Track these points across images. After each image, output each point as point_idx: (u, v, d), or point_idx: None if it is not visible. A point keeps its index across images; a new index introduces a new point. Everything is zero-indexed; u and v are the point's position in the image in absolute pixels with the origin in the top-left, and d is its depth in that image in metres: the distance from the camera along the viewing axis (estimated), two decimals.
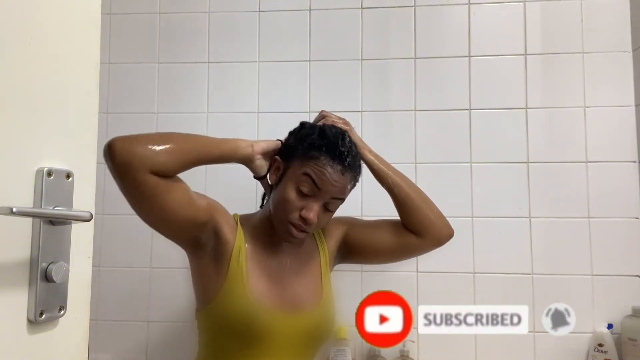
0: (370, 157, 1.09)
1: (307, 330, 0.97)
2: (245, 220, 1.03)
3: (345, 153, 0.95)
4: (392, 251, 1.12)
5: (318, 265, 1.06)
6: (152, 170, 0.83)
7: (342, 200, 0.99)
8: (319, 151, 0.94)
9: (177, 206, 0.89)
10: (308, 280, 1.03)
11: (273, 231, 1.00)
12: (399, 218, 1.12)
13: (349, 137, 1.01)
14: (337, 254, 1.12)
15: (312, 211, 0.93)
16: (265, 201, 1.10)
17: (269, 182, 1.02)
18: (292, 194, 0.94)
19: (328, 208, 0.97)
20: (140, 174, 0.82)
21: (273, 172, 1.01)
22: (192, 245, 0.97)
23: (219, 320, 0.94)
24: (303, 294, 1.00)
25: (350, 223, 1.14)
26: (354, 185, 1.01)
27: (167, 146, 0.86)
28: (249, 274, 0.95)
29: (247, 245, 0.98)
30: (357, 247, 1.12)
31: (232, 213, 1.05)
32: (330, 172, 0.93)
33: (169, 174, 0.86)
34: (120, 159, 0.82)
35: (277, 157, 1.01)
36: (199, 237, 0.95)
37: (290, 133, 1.05)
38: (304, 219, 0.93)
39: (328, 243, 1.10)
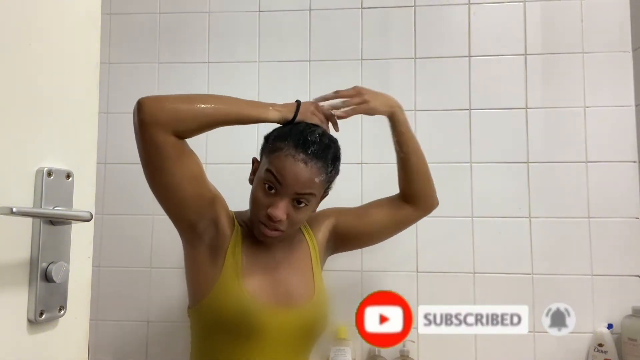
0: (402, 115, 1.06)
1: (301, 325, 0.97)
2: (239, 216, 1.03)
3: (311, 142, 0.91)
4: (386, 228, 1.13)
5: (309, 260, 1.05)
6: (175, 131, 0.86)
7: (312, 195, 0.93)
8: (282, 141, 0.92)
9: (188, 177, 0.91)
10: (300, 275, 1.02)
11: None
12: (384, 197, 1.13)
13: (324, 131, 0.98)
14: (328, 246, 1.11)
15: (278, 209, 0.89)
16: None
17: (250, 180, 1.01)
18: (259, 192, 0.93)
19: (300, 204, 0.92)
20: (162, 131, 0.85)
21: (252, 171, 1.01)
22: (190, 232, 0.96)
23: (213, 315, 0.93)
24: (296, 289, 1.00)
25: (338, 212, 1.12)
26: (327, 178, 0.95)
27: (196, 107, 0.89)
28: (244, 269, 0.95)
29: (242, 240, 0.98)
30: (349, 233, 1.11)
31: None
32: (292, 162, 0.89)
33: (190, 135, 0.90)
34: (147, 115, 0.84)
35: (254, 158, 1.01)
36: (197, 223, 0.94)
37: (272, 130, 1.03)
38: (270, 217, 0.90)
39: (317, 236, 1.08)
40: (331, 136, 0.99)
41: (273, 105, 0.96)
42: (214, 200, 0.96)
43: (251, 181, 1.00)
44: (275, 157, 0.91)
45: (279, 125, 0.97)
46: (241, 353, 0.93)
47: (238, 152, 1.49)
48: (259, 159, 1.00)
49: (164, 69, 1.54)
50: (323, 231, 1.10)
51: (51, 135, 0.53)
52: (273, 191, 0.91)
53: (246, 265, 0.95)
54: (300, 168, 0.90)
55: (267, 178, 0.91)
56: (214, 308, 0.93)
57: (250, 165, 1.02)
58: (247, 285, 0.93)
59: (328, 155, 0.94)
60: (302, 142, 0.91)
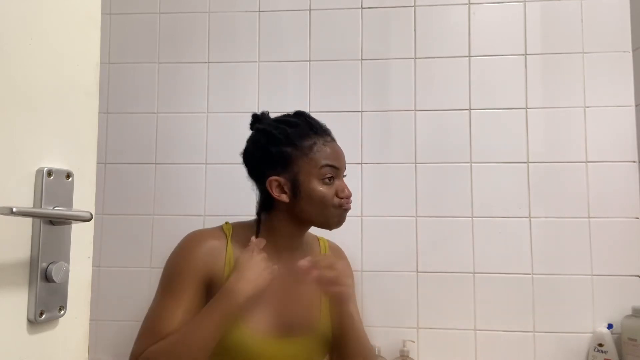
0: (352, 309, 0.99)
1: (301, 355, 0.96)
2: (238, 232, 1.00)
3: (322, 124, 1.02)
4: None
5: None
6: None
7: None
8: (309, 138, 0.98)
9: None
10: (306, 301, 1.00)
11: (272, 247, 0.98)
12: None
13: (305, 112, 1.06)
14: None
15: (346, 187, 1.00)
16: (260, 215, 1.04)
17: (285, 200, 0.97)
18: (322, 190, 0.97)
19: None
20: None
21: (278, 192, 0.97)
22: None
23: None
24: (299, 317, 0.98)
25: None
26: None
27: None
28: None
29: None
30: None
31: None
32: (333, 145, 1.00)
33: None
34: None
35: (272, 178, 0.97)
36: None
37: (256, 146, 1.02)
38: (344, 199, 0.98)
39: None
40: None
41: (231, 293, 0.89)
42: (203, 297, 0.93)
43: (281, 199, 0.97)
44: (320, 150, 0.97)
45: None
46: None
47: (238, 152, 1.49)
48: (277, 176, 0.97)
49: (164, 69, 1.54)
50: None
51: (51, 135, 0.53)
52: (331, 180, 0.97)
53: None
54: (338, 147, 1.02)
55: (326, 172, 0.97)
56: None
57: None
58: (246, 319, 0.92)
59: None
60: (321, 128, 1.01)
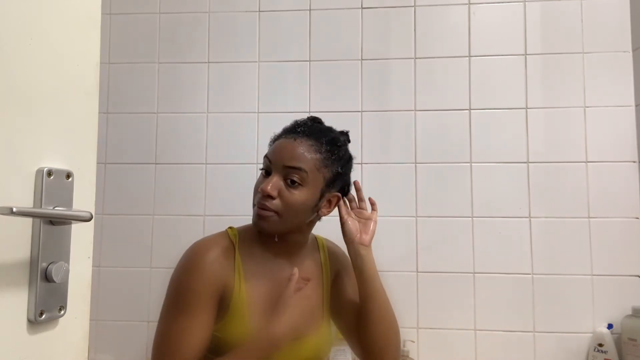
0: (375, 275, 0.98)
1: (305, 356, 0.95)
2: (243, 236, 0.98)
3: (298, 124, 0.97)
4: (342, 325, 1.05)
5: (320, 286, 1.02)
6: None
7: (303, 171, 0.90)
8: (277, 138, 0.97)
9: None
10: (309, 303, 0.97)
11: (275, 249, 0.97)
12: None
13: (322, 122, 1.02)
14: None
15: (266, 183, 0.89)
16: None
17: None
18: (258, 180, 0.95)
19: (293, 183, 0.90)
20: None
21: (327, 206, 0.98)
22: None
23: (216, 346, 0.90)
24: (303, 319, 0.94)
25: (347, 270, 1.05)
26: (324, 161, 0.92)
27: None
28: (250, 305, 0.91)
29: (247, 274, 0.93)
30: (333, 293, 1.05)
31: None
32: (281, 141, 0.94)
33: None
34: None
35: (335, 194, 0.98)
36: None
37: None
38: (261, 195, 0.90)
39: (331, 264, 1.05)
40: (334, 129, 1.00)
41: (272, 340, 0.87)
42: (216, 310, 0.91)
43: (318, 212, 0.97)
44: (271, 145, 0.96)
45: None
46: None
47: (238, 152, 1.49)
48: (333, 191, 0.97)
49: (164, 69, 1.54)
50: (335, 268, 1.05)
51: (51, 135, 0.53)
52: (267, 174, 0.93)
53: (253, 301, 0.92)
54: (288, 142, 0.92)
55: (263, 164, 0.94)
56: (218, 340, 0.90)
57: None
58: (253, 321, 0.90)
59: (321, 136, 0.94)
60: (290, 126, 0.97)
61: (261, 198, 0.90)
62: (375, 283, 0.97)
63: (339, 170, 0.95)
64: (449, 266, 1.42)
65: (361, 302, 0.98)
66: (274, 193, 0.89)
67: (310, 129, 0.95)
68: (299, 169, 0.90)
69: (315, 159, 0.91)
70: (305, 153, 0.91)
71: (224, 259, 0.92)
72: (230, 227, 1.00)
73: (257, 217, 0.91)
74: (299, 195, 0.90)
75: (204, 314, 0.87)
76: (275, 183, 0.90)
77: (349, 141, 1.03)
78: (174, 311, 0.87)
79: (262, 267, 0.95)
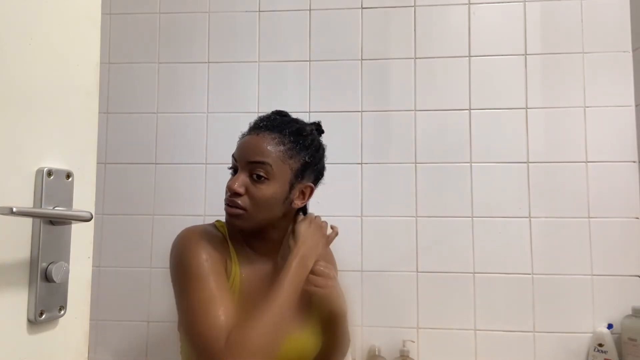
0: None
1: (292, 355, 0.95)
2: (231, 229, 0.99)
3: (260, 119, 0.98)
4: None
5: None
6: None
7: (268, 165, 0.91)
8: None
9: None
10: (297, 299, 0.98)
11: (262, 248, 0.99)
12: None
13: (286, 113, 1.03)
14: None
15: (232, 181, 0.92)
16: None
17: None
18: (228, 180, 0.95)
19: (259, 178, 0.91)
20: None
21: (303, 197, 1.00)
22: None
23: None
24: (291, 315, 0.95)
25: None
26: (289, 152, 0.94)
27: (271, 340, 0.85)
28: (241, 291, 0.93)
29: (240, 268, 0.96)
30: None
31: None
32: (245, 138, 0.96)
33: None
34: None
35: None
36: None
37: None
38: (228, 192, 0.92)
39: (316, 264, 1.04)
40: (300, 120, 1.01)
41: (302, 259, 0.93)
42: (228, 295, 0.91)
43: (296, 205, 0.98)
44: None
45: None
46: None
47: None
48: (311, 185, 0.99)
49: (164, 69, 1.54)
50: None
51: (51, 135, 0.53)
52: (235, 172, 0.95)
53: (243, 295, 0.93)
54: (251, 138, 0.94)
55: (231, 163, 0.96)
56: None
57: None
58: (239, 308, 0.90)
59: (284, 128, 0.95)
60: (254, 122, 0.98)
61: (229, 196, 0.92)
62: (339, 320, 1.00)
63: (307, 159, 0.96)
64: (449, 266, 1.42)
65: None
66: (241, 190, 0.91)
67: (273, 123, 0.96)
68: (263, 162, 0.91)
69: (279, 150, 0.93)
70: (269, 147, 0.92)
71: (218, 243, 0.95)
72: (217, 221, 1.03)
73: (228, 215, 0.93)
74: (266, 189, 0.92)
75: (221, 278, 0.89)
76: (241, 180, 0.91)
77: (322, 131, 1.05)
78: (191, 288, 0.87)
79: (251, 259, 0.98)
